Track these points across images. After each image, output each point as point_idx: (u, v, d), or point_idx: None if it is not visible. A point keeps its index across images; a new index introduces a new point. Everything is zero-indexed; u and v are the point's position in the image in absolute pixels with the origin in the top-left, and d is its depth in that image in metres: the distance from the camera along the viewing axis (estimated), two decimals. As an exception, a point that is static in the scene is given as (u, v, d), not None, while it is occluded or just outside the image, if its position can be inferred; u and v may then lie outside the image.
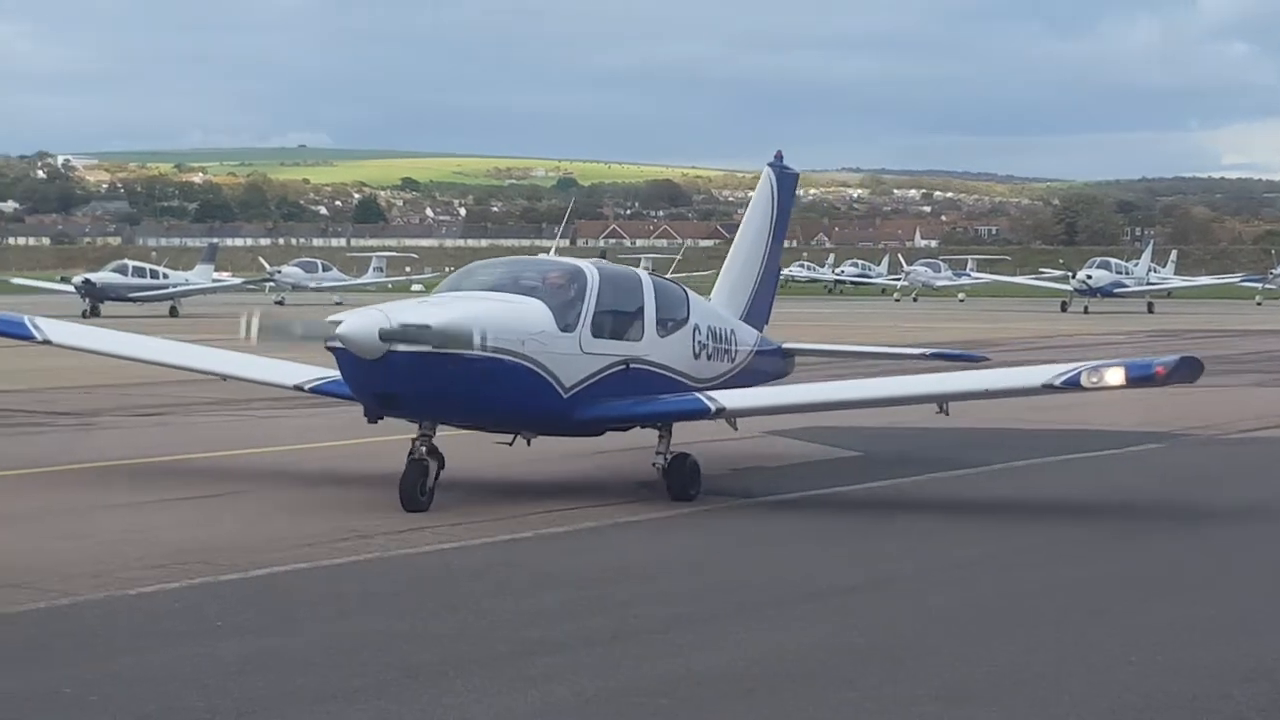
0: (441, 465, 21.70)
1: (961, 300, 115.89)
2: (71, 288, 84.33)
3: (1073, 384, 21.08)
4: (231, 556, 17.30)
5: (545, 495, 21.98)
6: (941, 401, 23.09)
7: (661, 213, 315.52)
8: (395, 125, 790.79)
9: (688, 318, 23.85)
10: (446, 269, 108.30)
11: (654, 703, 11.96)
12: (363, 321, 20.07)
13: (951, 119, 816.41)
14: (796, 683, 12.53)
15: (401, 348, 19.92)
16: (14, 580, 15.87)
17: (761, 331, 27.26)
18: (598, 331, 21.95)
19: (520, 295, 21.58)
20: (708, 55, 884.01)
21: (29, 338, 25.25)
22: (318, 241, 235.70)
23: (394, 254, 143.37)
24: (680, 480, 21.84)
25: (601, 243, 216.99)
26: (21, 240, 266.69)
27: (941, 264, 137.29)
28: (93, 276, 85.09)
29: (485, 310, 20.86)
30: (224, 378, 24.77)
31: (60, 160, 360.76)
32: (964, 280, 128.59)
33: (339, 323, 20.07)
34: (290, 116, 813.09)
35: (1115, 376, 21.01)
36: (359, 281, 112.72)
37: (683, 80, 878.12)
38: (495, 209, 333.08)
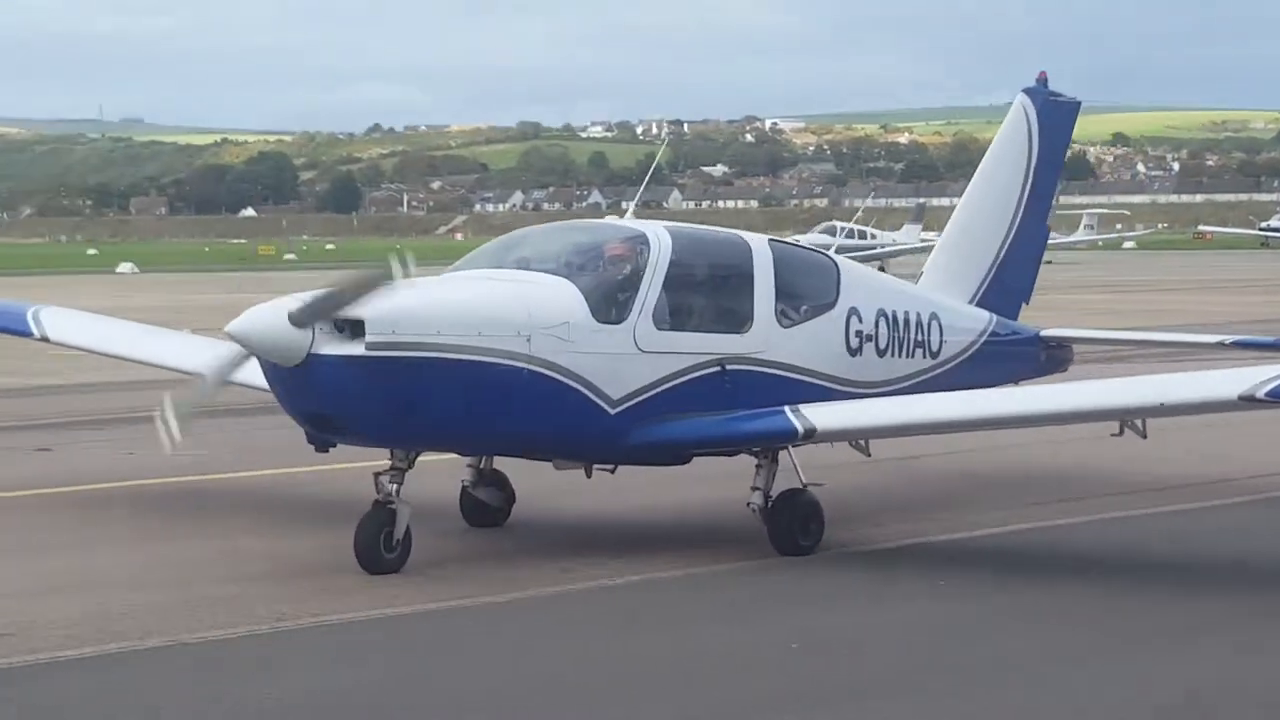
0: (510, 499, 17.25)
1: None
2: None
3: None
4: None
5: (589, 541, 16.75)
6: (1106, 419, 16.57)
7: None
8: (1104, 80, 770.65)
9: (835, 300, 17.84)
10: (1159, 226, 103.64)
11: None
12: (263, 315, 14.53)
13: None
14: None
15: (328, 351, 14.43)
16: None
17: (1019, 312, 21.00)
18: (667, 321, 16.22)
19: (544, 275, 15.97)
20: None
21: (26, 334, 21.48)
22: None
23: (1104, 211, 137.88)
24: (785, 526, 16.14)
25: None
26: (730, 203, 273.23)
27: None
28: (802, 239, 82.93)
29: (469, 296, 15.45)
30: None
31: (768, 124, 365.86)
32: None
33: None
34: (995, 74, 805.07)
35: None
36: (1068, 240, 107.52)
37: None
38: (1210, 163, 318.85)
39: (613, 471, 16.85)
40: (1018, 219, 21.02)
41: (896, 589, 14.83)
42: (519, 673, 12.09)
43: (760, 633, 13.28)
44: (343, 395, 14.50)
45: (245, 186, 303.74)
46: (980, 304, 20.42)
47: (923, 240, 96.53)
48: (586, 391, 15.56)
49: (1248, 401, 14.75)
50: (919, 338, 18.78)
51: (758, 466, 16.34)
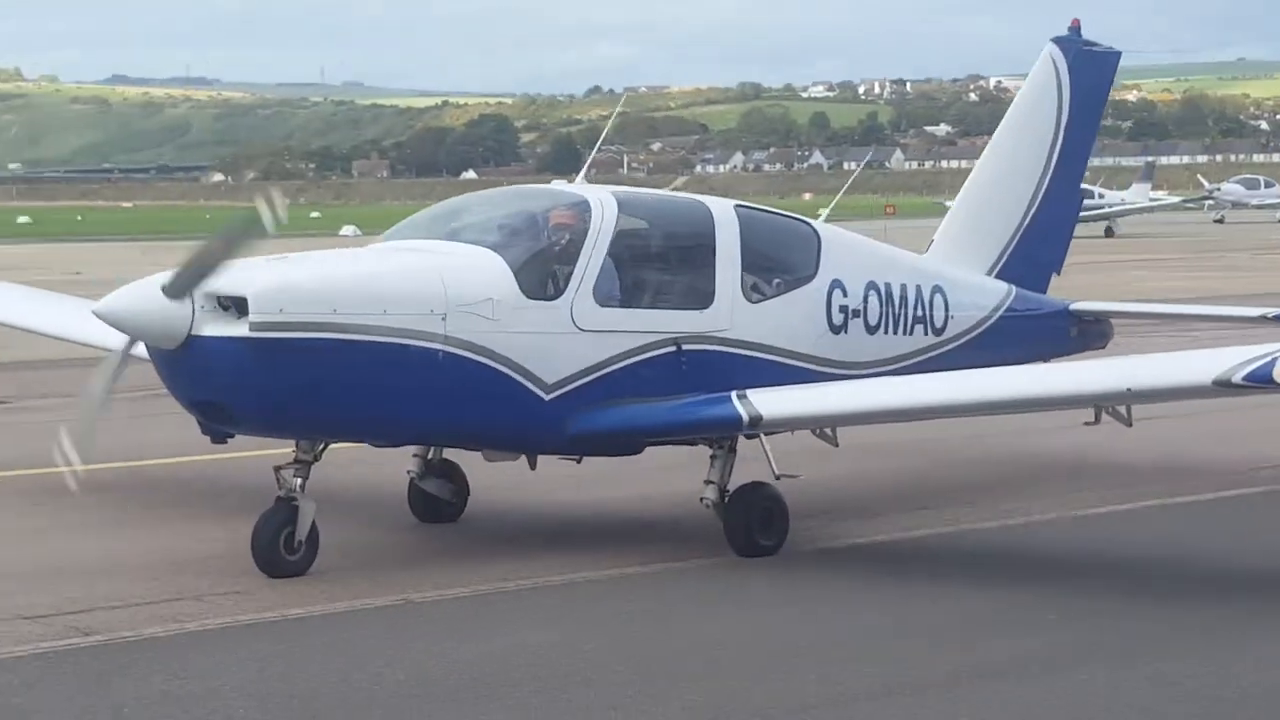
0: (462, 491, 16.33)
1: None
2: None
3: (1263, 380, 13.03)
4: None
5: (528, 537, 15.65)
6: (1069, 406, 15.11)
7: None
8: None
9: (815, 271, 16.45)
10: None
11: None
12: (134, 292, 13.47)
13: None
14: None
15: (210, 332, 13.32)
16: None
17: (1048, 284, 19.36)
18: (614, 297, 14.96)
19: (469, 247, 14.70)
20: None
21: None
22: (1258, 158, 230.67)
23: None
24: (743, 523, 14.87)
25: None
26: (954, 163, 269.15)
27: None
28: None
29: (373, 271, 14.26)
30: None
31: (992, 82, 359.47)
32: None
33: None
34: (1228, 29, 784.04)
35: None
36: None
37: None
38: None
39: (578, 461, 15.70)
40: (1045, 182, 19.43)
41: (859, 592, 13.68)
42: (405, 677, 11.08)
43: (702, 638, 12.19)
44: (229, 381, 13.47)
45: (466, 149, 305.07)
46: (1001, 276, 18.86)
47: (1152, 199, 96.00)
48: (515, 375, 14.37)
49: (1223, 387, 13.19)
50: (919, 313, 17.39)
51: (712, 457, 15.07)
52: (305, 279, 13.75)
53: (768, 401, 14.81)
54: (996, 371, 15.43)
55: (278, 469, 14.17)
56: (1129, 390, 14.16)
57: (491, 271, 14.39)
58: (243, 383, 13.45)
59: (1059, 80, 19.37)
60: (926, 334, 17.44)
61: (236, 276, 13.39)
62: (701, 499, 15.02)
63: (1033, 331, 18.59)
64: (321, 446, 14.50)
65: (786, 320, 16.05)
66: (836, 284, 16.54)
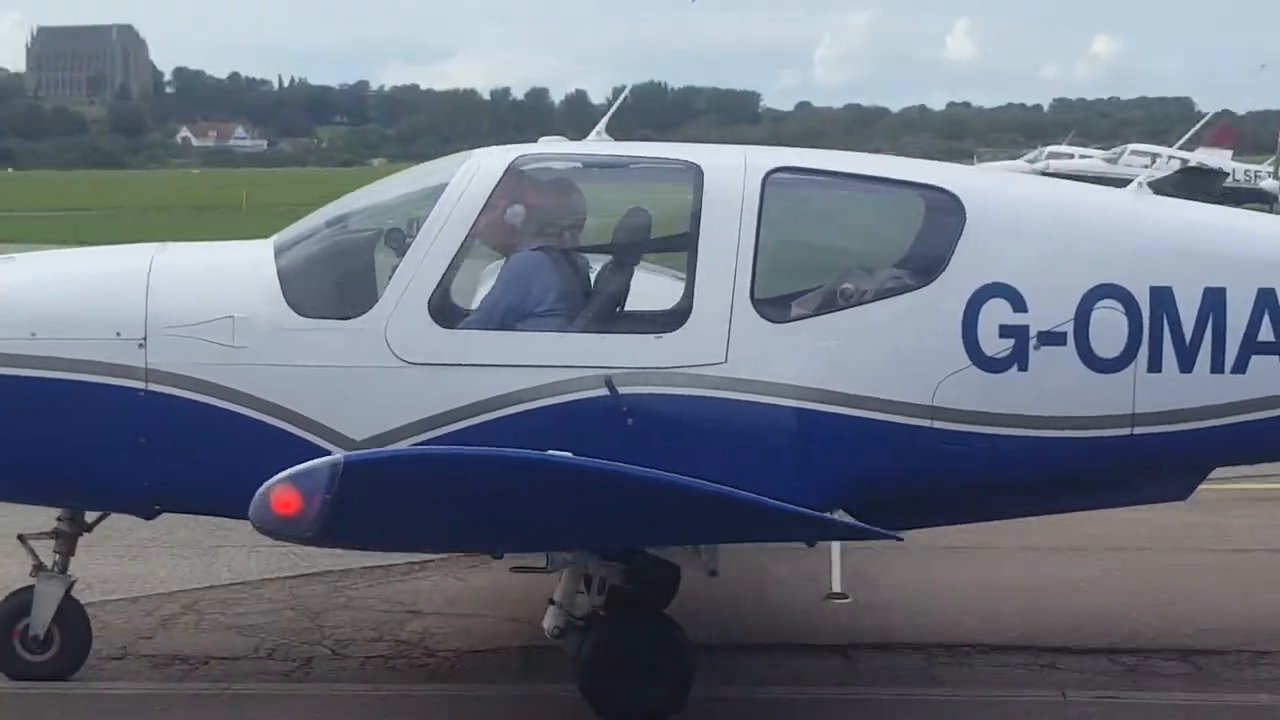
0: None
1: None
2: None
3: None
4: None
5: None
6: None
7: None
8: None
9: (944, 266, 10.18)
10: None
11: None
12: None
13: None
14: None
15: None
16: None
17: None
18: (468, 312, 10.32)
19: (248, 243, 10.88)
20: None
21: None
22: None
23: None
24: (599, 673, 9.92)
25: None
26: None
27: None
28: None
29: (29, 279, 10.57)
30: None
31: None
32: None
33: None
34: None
35: None
36: None
37: None
38: None
39: None
40: None
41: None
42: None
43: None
44: None
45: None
46: None
47: None
48: (294, 430, 9.92)
49: None
50: (1265, 335, 10.21)
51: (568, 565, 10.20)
52: None
53: None
54: None
55: (23, 538, 10.78)
56: None
57: (243, 277, 10.25)
58: None
59: None
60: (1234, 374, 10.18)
61: None
62: (546, 628, 10.13)
63: None
64: (96, 515, 10.93)
65: (864, 348, 10.03)
66: (994, 290, 10.17)
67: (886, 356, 9.94)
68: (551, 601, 10.02)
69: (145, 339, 9.98)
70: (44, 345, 10.01)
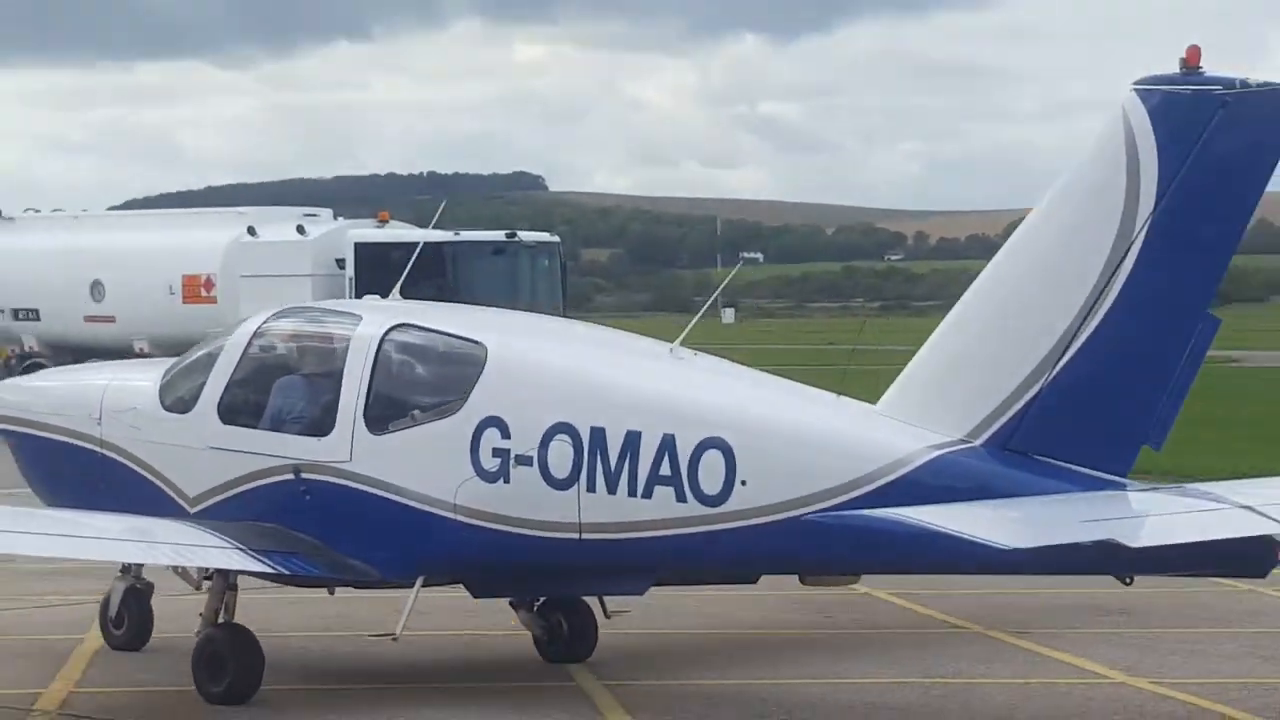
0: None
1: None
2: None
3: None
4: None
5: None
6: None
7: None
8: None
9: (460, 401, 13.97)
10: None
11: None
12: None
13: None
14: None
15: None
16: None
17: (1135, 451, 12.82)
18: (238, 414, 14.99)
19: (161, 360, 17.84)
20: None
21: None
22: None
23: None
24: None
25: None
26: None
27: None
28: None
29: (69, 381, 17.47)
30: None
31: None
32: None
33: None
34: None
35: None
36: None
37: None
38: None
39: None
40: (1105, 284, 12.50)
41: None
42: None
43: None
44: None
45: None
46: (1011, 436, 12.64)
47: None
48: (159, 484, 15.29)
49: None
50: (664, 471, 13.06)
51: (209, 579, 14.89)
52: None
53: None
54: None
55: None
56: None
57: (144, 382, 15.77)
58: None
59: (1131, 139, 12.40)
60: (681, 501, 12.97)
61: None
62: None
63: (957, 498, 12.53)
64: None
65: (416, 458, 14.05)
66: (493, 421, 13.67)
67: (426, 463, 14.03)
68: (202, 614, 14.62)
69: (100, 418, 15.78)
70: (64, 418, 16.08)
